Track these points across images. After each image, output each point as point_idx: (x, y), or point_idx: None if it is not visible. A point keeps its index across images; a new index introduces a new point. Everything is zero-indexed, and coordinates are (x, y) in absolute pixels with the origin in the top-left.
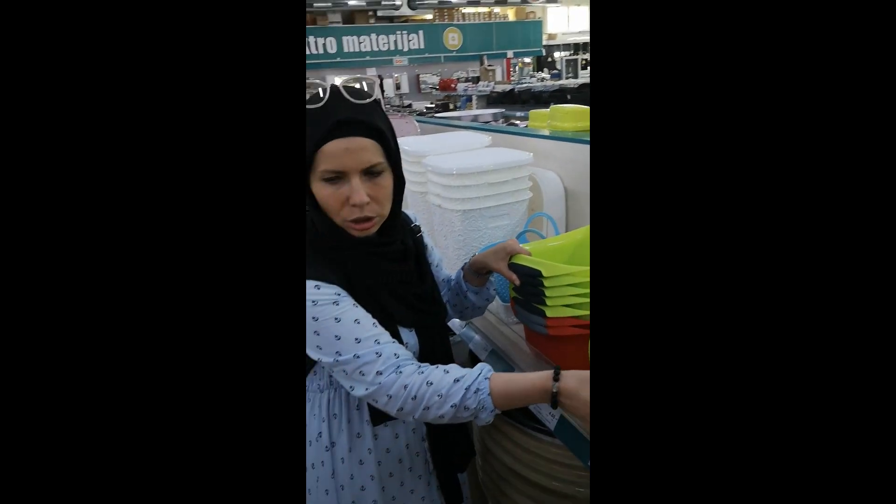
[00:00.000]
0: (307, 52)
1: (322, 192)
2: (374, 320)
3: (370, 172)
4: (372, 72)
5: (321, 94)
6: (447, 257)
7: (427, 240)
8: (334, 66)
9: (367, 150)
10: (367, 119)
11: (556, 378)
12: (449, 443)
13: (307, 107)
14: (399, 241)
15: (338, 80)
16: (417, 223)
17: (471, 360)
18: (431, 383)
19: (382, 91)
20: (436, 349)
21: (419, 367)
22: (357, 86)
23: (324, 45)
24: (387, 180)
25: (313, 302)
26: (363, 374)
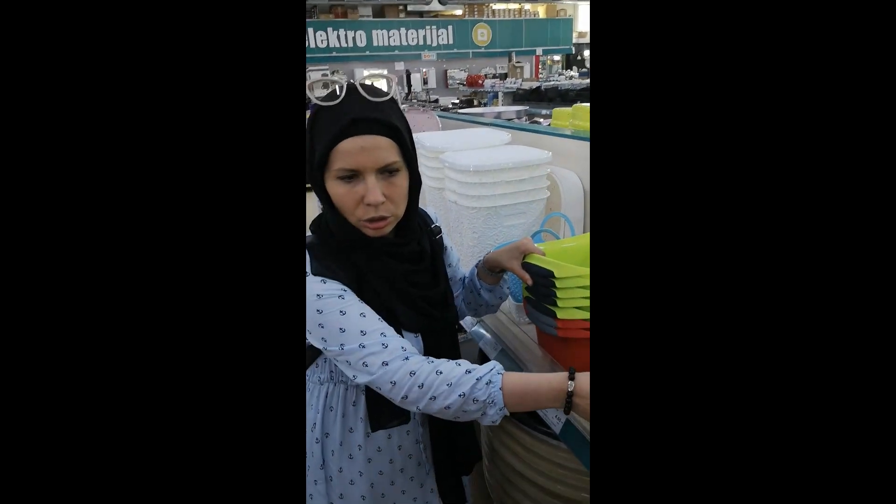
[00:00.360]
0: (337, 45)
1: (337, 190)
2: (380, 317)
3: (386, 171)
4: (400, 66)
5: (338, 92)
6: (462, 254)
7: (446, 240)
8: (363, 59)
9: (382, 148)
10: (382, 117)
11: (571, 378)
12: (453, 445)
13: (325, 104)
14: (415, 241)
15: (366, 73)
16: (438, 223)
17: (480, 360)
18: (441, 372)
19: (410, 86)
20: (442, 354)
21: (428, 357)
22: (376, 83)
23: (353, 38)
24: (402, 179)
25: (318, 295)
26: (366, 365)
